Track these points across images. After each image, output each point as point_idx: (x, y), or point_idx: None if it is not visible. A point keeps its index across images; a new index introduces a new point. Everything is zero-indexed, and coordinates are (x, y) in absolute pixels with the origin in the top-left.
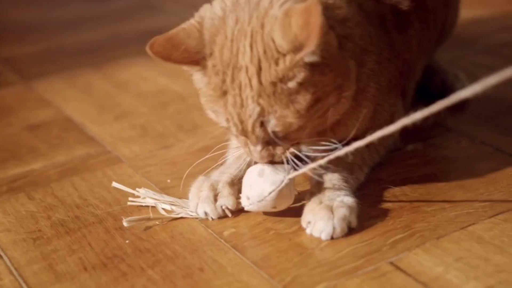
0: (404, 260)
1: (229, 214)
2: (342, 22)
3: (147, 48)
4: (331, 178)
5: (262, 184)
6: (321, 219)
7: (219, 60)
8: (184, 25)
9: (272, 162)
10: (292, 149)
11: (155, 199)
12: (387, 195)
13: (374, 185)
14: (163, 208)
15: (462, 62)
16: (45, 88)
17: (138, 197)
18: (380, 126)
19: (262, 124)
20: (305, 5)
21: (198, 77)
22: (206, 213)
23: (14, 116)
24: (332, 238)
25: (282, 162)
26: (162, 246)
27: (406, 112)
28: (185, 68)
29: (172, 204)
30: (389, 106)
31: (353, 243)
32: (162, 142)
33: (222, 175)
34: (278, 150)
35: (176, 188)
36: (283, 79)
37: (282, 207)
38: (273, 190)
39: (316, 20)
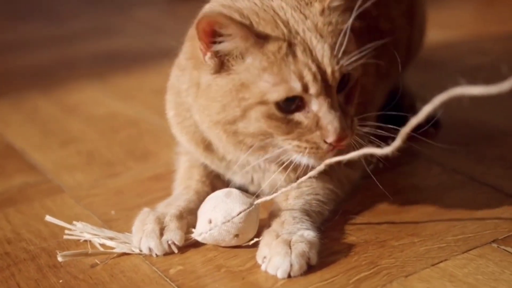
0: None
1: (175, 250)
2: None
3: (196, 23)
4: (292, 211)
5: (230, 204)
6: (277, 255)
7: (265, 24)
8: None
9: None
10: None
11: (94, 234)
12: (352, 227)
13: (339, 217)
14: (103, 244)
15: (433, 85)
16: None
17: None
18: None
19: (338, 63)
20: None
21: (242, 65)
22: (150, 249)
23: None
24: (289, 276)
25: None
26: (99, 286)
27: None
28: (237, 41)
29: (113, 239)
30: None
31: (312, 282)
32: (109, 170)
33: (169, 207)
34: (351, 124)
35: (120, 220)
36: (331, 22)
37: (245, 236)
38: (244, 210)
39: None
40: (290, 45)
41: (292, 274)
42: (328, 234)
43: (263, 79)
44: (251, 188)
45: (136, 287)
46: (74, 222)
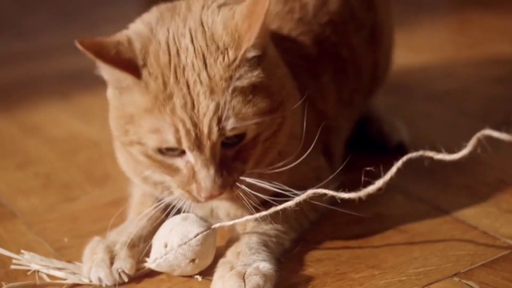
0: None
1: (125, 279)
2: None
3: (77, 43)
4: (248, 241)
5: (187, 226)
6: None
7: (156, 65)
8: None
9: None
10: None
11: (42, 265)
12: (312, 259)
13: (298, 247)
14: (51, 275)
15: (402, 109)
16: None
17: None
18: (301, 182)
19: (219, 124)
20: None
21: (129, 97)
22: (100, 279)
23: None
24: None
25: (232, 196)
26: None
27: (333, 173)
28: (117, 73)
29: (62, 270)
30: (309, 161)
31: None
32: (66, 194)
33: (120, 235)
34: (232, 179)
35: (73, 248)
36: (231, 76)
37: (201, 262)
38: (201, 232)
39: (262, 8)
40: (171, 97)
41: None
42: (287, 265)
43: (143, 121)
44: (212, 221)
45: None
46: (22, 252)
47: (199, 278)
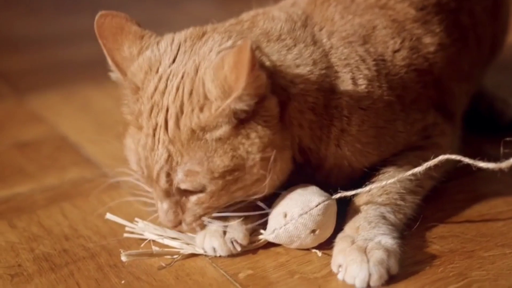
0: None
1: (238, 249)
2: (290, 83)
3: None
4: (366, 215)
5: (308, 196)
6: (353, 262)
7: (144, 92)
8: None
9: (179, 229)
10: (205, 219)
11: (157, 234)
12: (434, 236)
13: (418, 224)
14: (164, 245)
15: (508, 87)
16: (38, 103)
17: None
18: (403, 146)
19: (169, 176)
20: (238, 44)
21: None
22: (214, 249)
23: (2, 132)
24: (369, 285)
25: (191, 231)
26: None
27: (454, 130)
28: (110, 61)
29: (176, 240)
30: (409, 124)
31: None
32: None
33: None
34: (188, 217)
35: None
36: (204, 128)
37: (322, 233)
38: (323, 201)
39: (245, 56)
40: (141, 129)
41: (371, 284)
42: (409, 241)
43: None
44: None
45: None
46: (136, 220)
47: (318, 252)
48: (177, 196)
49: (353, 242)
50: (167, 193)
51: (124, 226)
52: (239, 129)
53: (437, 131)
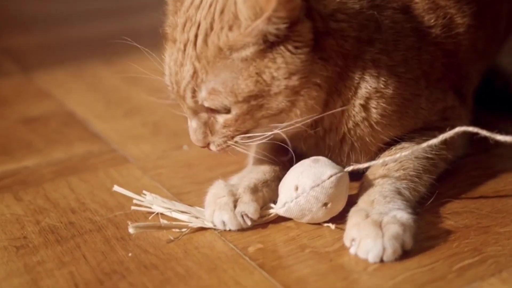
0: None
1: (248, 222)
2: (330, 15)
3: None
4: (381, 190)
5: (319, 168)
6: (367, 237)
7: (182, 3)
8: None
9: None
10: (234, 140)
11: (165, 207)
12: (449, 211)
13: (433, 200)
14: (173, 218)
15: None
16: (46, 80)
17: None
18: (422, 123)
19: (194, 93)
20: None
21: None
22: (224, 223)
23: (9, 107)
24: (382, 260)
25: (221, 150)
26: (172, 262)
27: (466, 113)
28: None
29: (184, 213)
30: (431, 102)
31: (409, 267)
32: (176, 142)
33: (243, 180)
34: (216, 138)
35: (191, 193)
36: (232, 47)
37: (334, 206)
38: (335, 174)
39: None
40: (174, 42)
41: (385, 258)
42: (423, 217)
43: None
44: None
45: (212, 264)
46: (144, 192)
47: (331, 226)
48: (206, 115)
49: (367, 216)
50: (195, 111)
51: (131, 199)
52: (267, 52)
53: (455, 114)
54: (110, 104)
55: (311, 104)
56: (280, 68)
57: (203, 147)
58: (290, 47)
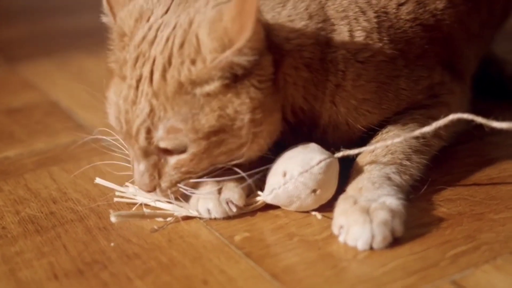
0: (470, 279)
1: (234, 209)
2: (284, 40)
3: None
4: (370, 176)
5: (308, 154)
6: (355, 223)
7: (130, 39)
8: None
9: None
10: (182, 184)
11: (148, 198)
12: (442, 198)
13: (426, 187)
14: (157, 208)
15: None
16: (31, 71)
17: None
18: (408, 106)
19: (149, 133)
20: None
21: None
22: (209, 211)
23: None
24: (371, 248)
25: (165, 196)
26: (156, 251)
27: (464, 90)
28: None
29: (169, 203)
30: (413, 81)
31: (401, 255)
32: None
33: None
34: (164, 182)
35: None
36: (195, 82)
37: (323, 193)
38: (324, 159)
39: (252, 4)
40: (124, 79)
41: (374, 245)
42: (415, 204)
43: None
44: None
45: (197, 253)
46: (127, 184)
47: (318, 215)
48: (156, 156)
49: (355, 203)
50: (146, 153)
51: (114, 191)
52: (230, 87)
53: (445, 90)
54: (95, 94)
55: (274, 129)
56: (244, 103)
57: (149, 191)
58: (254, 82)
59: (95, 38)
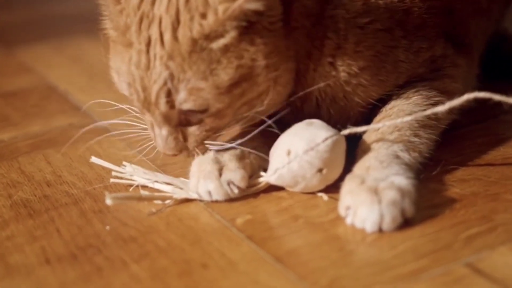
0: (486, 262)
1: (235, 191)
2: None
3: None
4: (377, 155)
5: (313, 130)
6: (362, 204)
7: (127, 1)
8: None
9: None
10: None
11: (146, 179)
12: (454, 179)
13: (435, 167)
14: (155, 190)
15: None
16: (28, 55)
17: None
18: (406, 77)
19: (169, 96)
20: None
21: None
22: (209, 193)
23: None
24: (381, 230)
25: (192, 157)
26: (153, 234)
27: (472, 69)
28: None
29: (168, 184)
30: (412, 53)
31: (411, 237)
32: None
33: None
34: (191, 142)
35: (177, 164)
36: (209, 36)
37: (329, 173)
38: (330, 136)
39: None
40: (131, 46)
41: (384, 227)
42: (426, 185)
43: (112, 49)
44: None
45: (196, 236)
46: (124, 163)
47: (324, 196)
48: (178, 119)
49: (363, 182)
50: (167, 118)
51: (111, 172)
52: (244, 35)
53: (448, 63)
54: (93, 77)
55: (290, 78)
56: (259, 49)
57: (175, 155)
58: (265, 24)
59: (93, 22)
